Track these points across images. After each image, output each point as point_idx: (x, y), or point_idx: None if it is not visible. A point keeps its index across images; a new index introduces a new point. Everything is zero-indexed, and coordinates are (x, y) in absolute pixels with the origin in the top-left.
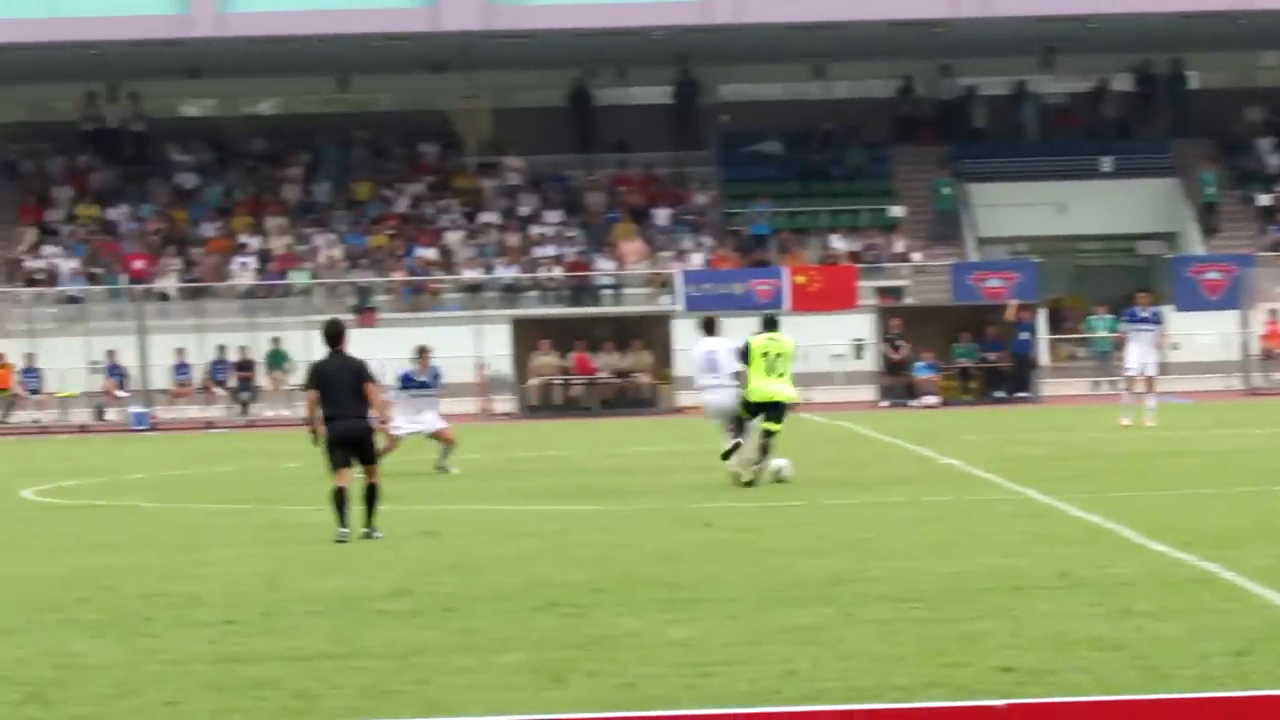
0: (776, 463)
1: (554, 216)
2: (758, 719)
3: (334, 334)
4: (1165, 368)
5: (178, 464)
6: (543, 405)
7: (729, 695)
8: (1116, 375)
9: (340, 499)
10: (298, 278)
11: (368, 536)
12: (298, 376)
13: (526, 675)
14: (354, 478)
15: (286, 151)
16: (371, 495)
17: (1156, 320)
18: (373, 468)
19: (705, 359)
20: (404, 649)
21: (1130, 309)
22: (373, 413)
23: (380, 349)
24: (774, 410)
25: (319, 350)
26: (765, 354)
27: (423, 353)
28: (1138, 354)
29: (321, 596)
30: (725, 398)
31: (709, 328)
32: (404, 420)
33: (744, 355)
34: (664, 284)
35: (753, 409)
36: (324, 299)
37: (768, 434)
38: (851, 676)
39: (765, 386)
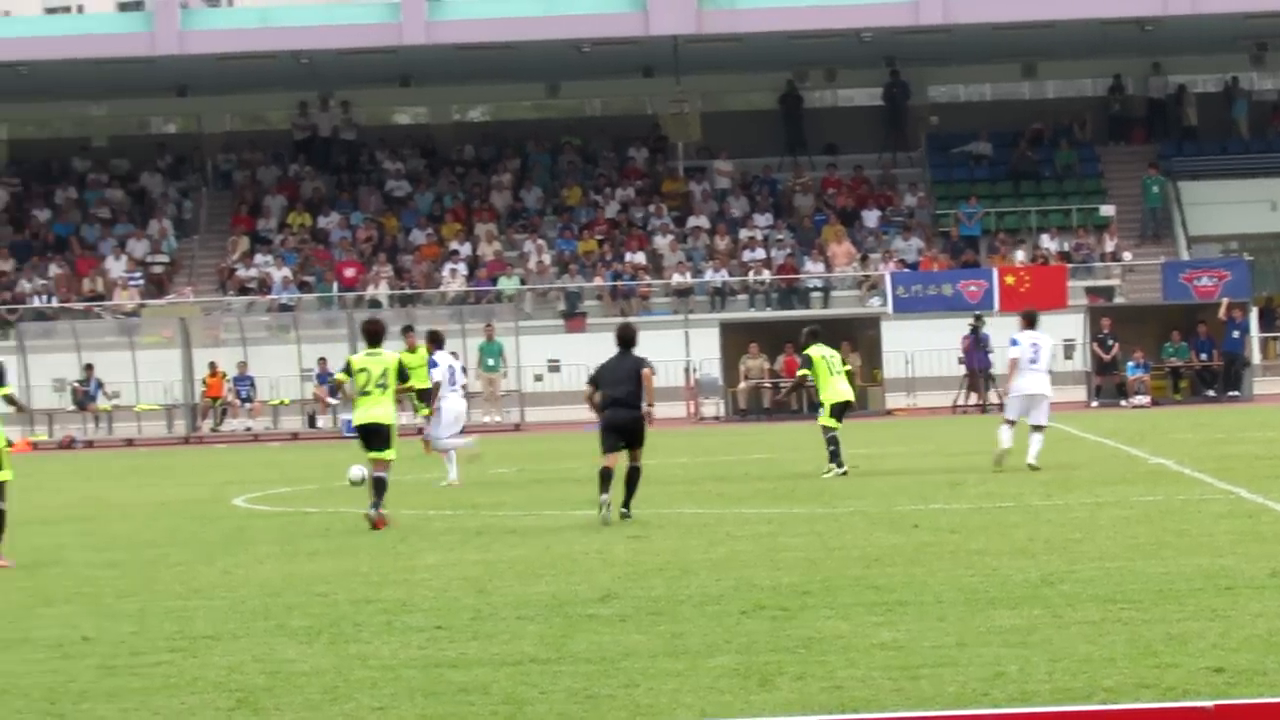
0: None
1: (763, 219)
2: None
3: (626, 336)
4: None
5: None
6: (751, 408)
7: (937, 697)
8: None
9: (606, 477)
10: (507, 284)
11: (625, 516)
12: (510, 381)
13: (734, 678)
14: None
15: (496, 158)
16: (633, 478)
17: None
18: (638, 452)
19: (449, 372)
20: (612, 653)
21: None
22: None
23: (590, 354)
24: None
25: (527, 353)
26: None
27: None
28: None
29: (530, 601)
30: (460, 405)
31: (438, 340)
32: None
33: (808, 362)
34: (873, 286)
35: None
36: (533, 304)
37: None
38: (1060, 678)
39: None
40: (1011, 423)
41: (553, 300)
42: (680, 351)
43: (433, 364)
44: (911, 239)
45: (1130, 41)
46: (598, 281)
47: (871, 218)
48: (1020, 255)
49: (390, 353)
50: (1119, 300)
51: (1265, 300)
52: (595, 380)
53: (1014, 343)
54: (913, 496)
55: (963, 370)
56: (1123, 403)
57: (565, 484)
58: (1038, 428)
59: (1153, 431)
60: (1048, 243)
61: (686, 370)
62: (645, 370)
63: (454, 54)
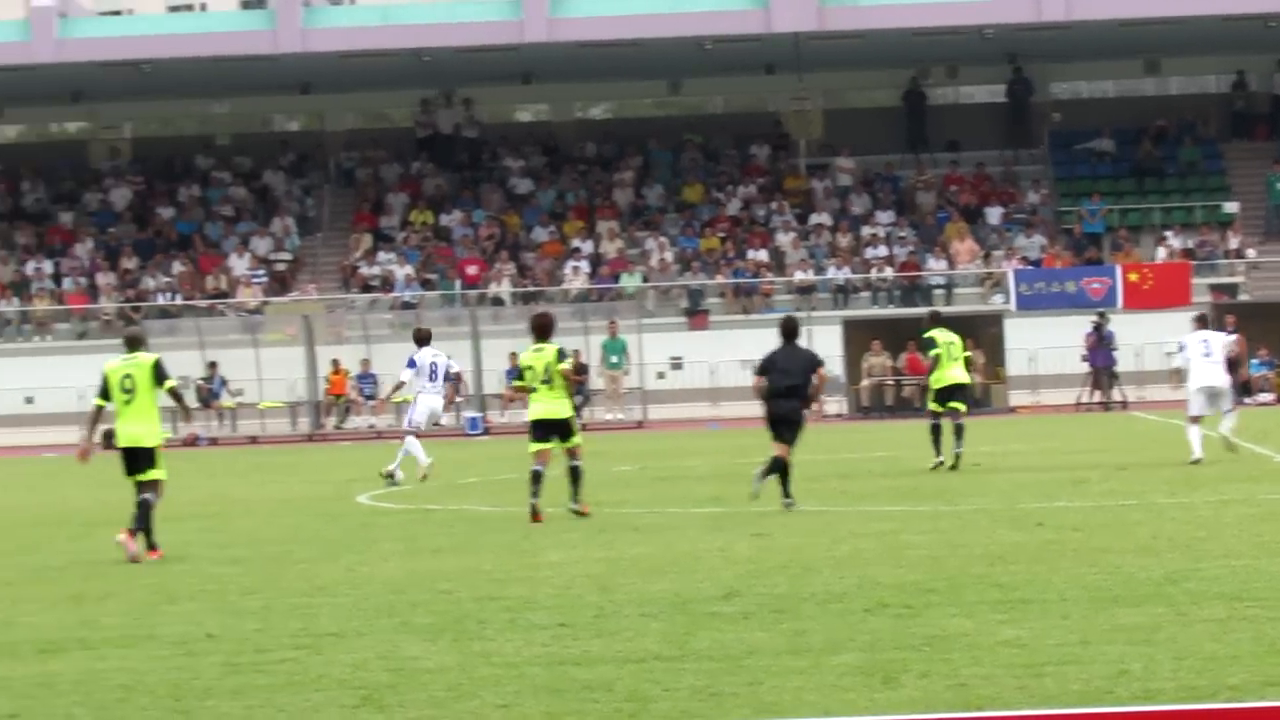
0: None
1: (885, 216)
2: (1090, 719)
3: (790, 329)
4: None
5: (511, 468)
6: (874, 406)
7: (1061, 695)
8: None
9: (776, 466)
10: (629, 281)
11: (788, 507)
12: (632, 379)
13: (858, 676)
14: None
15: (618, 155)
16: (778, 466)
17: None
18: (786, 449)
19: (429, 368)
20: (735, 651)
21: None
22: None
23: (712, 352)
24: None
25: (649, 351)
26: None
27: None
28: None
29: (653, 599)
30: (440, 402)
31: (420, 339)
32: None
33: (930, 344)
34: (996, 283)
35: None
36: (655, 302)
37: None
38: (1184, 676)
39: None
40: (1196, 419)
41: (675, 298)
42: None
43: (410, 362)
44: (1034, 236)
45: (1254, 38)
46: (719, 279)
47: (994, 215)
48: (1142, 252)
49: (551, 346)
50: (1243, 298)
51: None
52: (764, 370)
53: (1182, 347)
54: (1036, 494)
55: (1086, 368)
56: (1247, 400)
57: (687, 481)
58: (1228, 411)
59: (1278, 430)
60: (1171, 240)
61: None
62: (820, 370)
63: (576, 51)
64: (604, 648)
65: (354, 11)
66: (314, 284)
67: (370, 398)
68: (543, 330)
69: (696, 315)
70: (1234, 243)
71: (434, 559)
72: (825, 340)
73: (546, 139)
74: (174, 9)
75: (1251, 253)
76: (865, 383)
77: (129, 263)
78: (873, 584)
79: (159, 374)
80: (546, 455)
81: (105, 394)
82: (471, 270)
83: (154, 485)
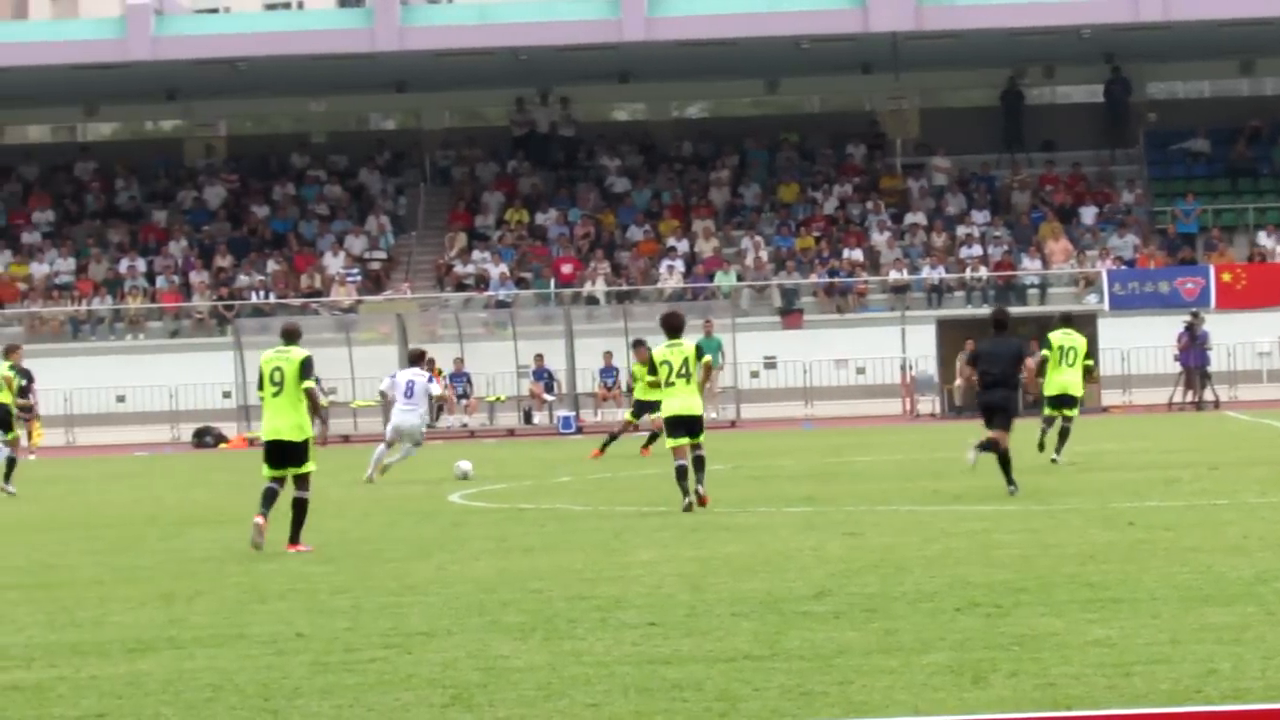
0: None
1: (980, 216)
2: (1179, 719)
3: (1001, 320)
4: None
5: (605, 467)
6: (967, 405)
7: (1150, 695)
8: None
9: (989, 446)
10: (724, 280)
11: (1013, 493)
12: (726, 377)
13: (947, 676)
14: None
15: (714, 154)
16: (997, 452)
17: None
18: (1005, 435)
19: (405, 385)
20: (826, 650)
21: None
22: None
23: (806, 351)
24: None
25: (743, 350)
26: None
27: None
28: None
29: (744, 598)
30: (412, 420)
31: (411, 359)
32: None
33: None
34: (1090, 283)
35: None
36: (750, 301)
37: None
38: (1273, 675)
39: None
40: None
41: (769, 297)
42: (896, 348)
43: (390, 376)
44: (1128, 236)
45: None
46: (814, 278)
47: (1089, 215)
48: (1236, 252)
49: (688, 342)
50: None
51: None
52: (974, 359)
53: None
54: (1128, 494)
55: (1178, 367)
56: None
57: (779, 481)
58: None
59: None
60: (1265, 240)
61: (903, 367)
62: (1028, 360)
63: (673, 50)
64: (694, 647)
65: (451, 10)
66: (408, 283)
67: (463, 396)
68: (675, 327)
69: (791, 314)
70: None
71: (525, 558)
72: (919, 340)
73: (643, 138)
74: (270, 7)
75: None
76: (958, 382)
77: (223, 261)
78: (963, 583)
79: (304, 370)
80: (685, 450)
81: (260, 386)
82: (566, 269)
83: (304, 481)
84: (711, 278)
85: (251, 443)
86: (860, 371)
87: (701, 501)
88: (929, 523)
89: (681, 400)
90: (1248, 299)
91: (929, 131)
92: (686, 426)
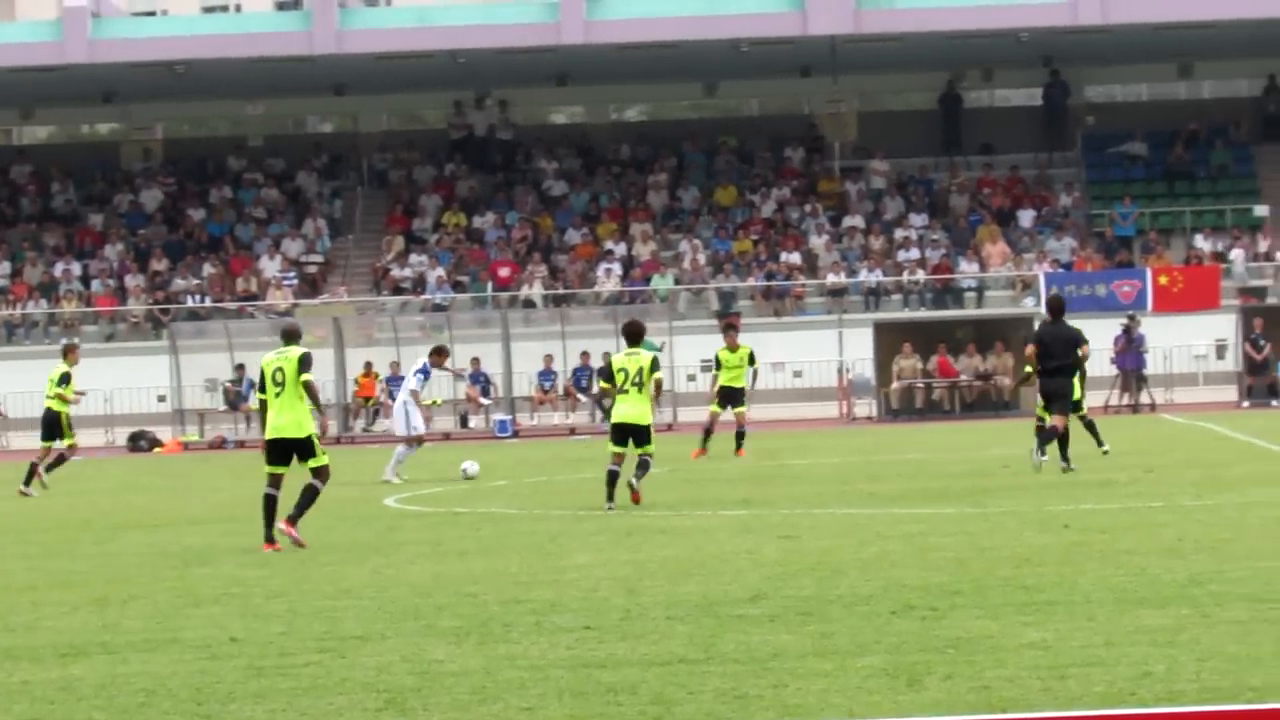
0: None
1: (918, 219)
2: None
3: (1057, 307)
4: None
5: (540, 471)
6: (904, 408)
7: (1085, 697)
8: None
9: (1051, 436)
10: (661, 283)
11: (1066, 470)
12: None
13: (882, 678)
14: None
15: (653, 158)
16: (1053, 436)
17: None
18: (1063, 419)
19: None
20: (761, 653)
21: None
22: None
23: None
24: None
25: (680, 353)
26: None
27: (441, 352)
28: None
29: (679, 601)
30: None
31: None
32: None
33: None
34: (1027, 286)
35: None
36: (687, 305)
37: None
38: (1207, 678)
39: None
40: None
41: (707, 300)
42: (834, 352)
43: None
44: (1066, 239)
45: None
46: (752, 281)
47: (1026, 218)
48: (1173, 255)
49: (646, 353)
50: (1271, 301)
51: None
52: (1037, 340)
53: None
54: (1063, 497)
55: (1114, 370)
56: (1274, 403)
57: (716, 484)
58: None
59: None
60: (1202, 243)
61: (840, 370)
62: (1084, 346)
63: (612, 53)
64: (629, 650)
65: (390, 13)
66: (345, 286)
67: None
68: (635, 335)
69: (728, 318)
70: (1264, 246)
71: (460, 561)
72: (856, 343)
73: (581, 141)
74: (208, 10)
75: None
76: (895, 385)
77: (159, 264)
78: (899, 586)
79: (302, 365)
80: (622, 458)
81: (263, 387)
82: (504, 272)
83: (321, 472)
84: (649, 281)
85: (186, 446)
86: (797, 375)
87: (634, 497)
88: (865, 526)
89: (631, 408)
90: (1184, 302)
91: (867, 134)
92: (632, 434)
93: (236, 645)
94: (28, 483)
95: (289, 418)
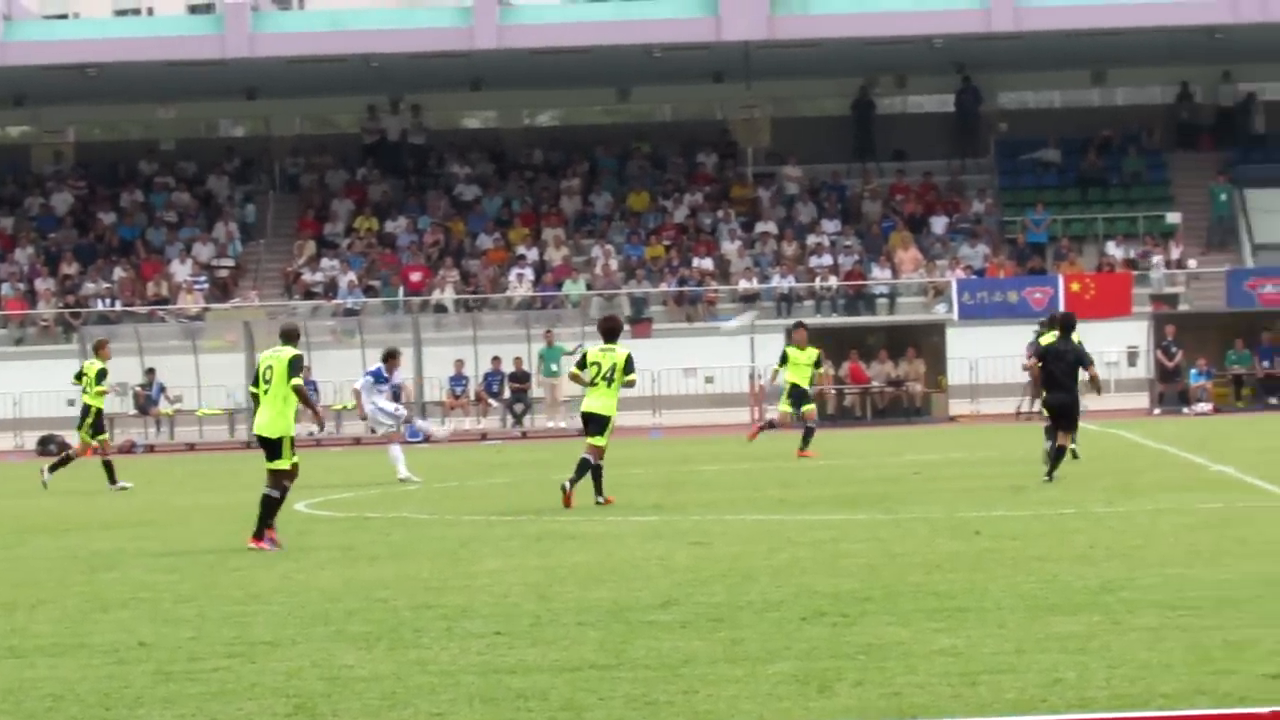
0: None
1: (831, 226)
2: None
3: (1067, 324)
4: None
5: (451, 476)
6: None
7: (995, 704)
8: None
9: (1060, 455)
10: (573, 289)
11: (1047, 482)
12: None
13: (793, 685)
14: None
15: (565, 163)
16: (1058, 454)
17: None
18: (1072, 434)
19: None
20: (671, 659)
21: None
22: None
23: (655, 360)
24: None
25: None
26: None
27: (391, 357)
28: None
29: (590, 607)
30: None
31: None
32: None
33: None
34: (939, 292)
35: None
36: (599, 310)
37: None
38: (1118, 684)
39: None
40: None
41: (619, 305)
42: (745, 358)
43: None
44: (978, 246)
45: (1200, 49)
46: (664, 287)
47: (939, 224)
48: (1086, 262)
49: (622, 350)
50: (1184, 308)
51: None
52: (1042, 356)
53: None
54: (975, 503)
55: (1026, 377)
56: (1185, 410)
57: (628, 489)
58: None
59: (1215, 439)
60: (1114, 250)
61: (751, 376)
62: (1091, 369)
63: (525, 58)
64: (540, 656)
65: (303, 17)
66: (256, 290)
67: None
68: (612, 332)
69: (640, 323)
70: (1176, 253)
71: (371, 567)
72: (769, 349)
73: (494, 146)
74: (120, 13)
75: (1192, 263)
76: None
77: (69, 268)
78: (810, 593)
79: (292, 368)
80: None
81: (255, 382)
82: (415, 277)
83: (277, 476)
84: (560, 286)
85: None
86: (709, 380)
87: (567, 501)
88: (776, 532)
89: (598, 401)
90: (1096, 309)
91: (780, 140)
92: (596, 425)
93: (145, 650)
94: (113, 481)
95: (268, 416)
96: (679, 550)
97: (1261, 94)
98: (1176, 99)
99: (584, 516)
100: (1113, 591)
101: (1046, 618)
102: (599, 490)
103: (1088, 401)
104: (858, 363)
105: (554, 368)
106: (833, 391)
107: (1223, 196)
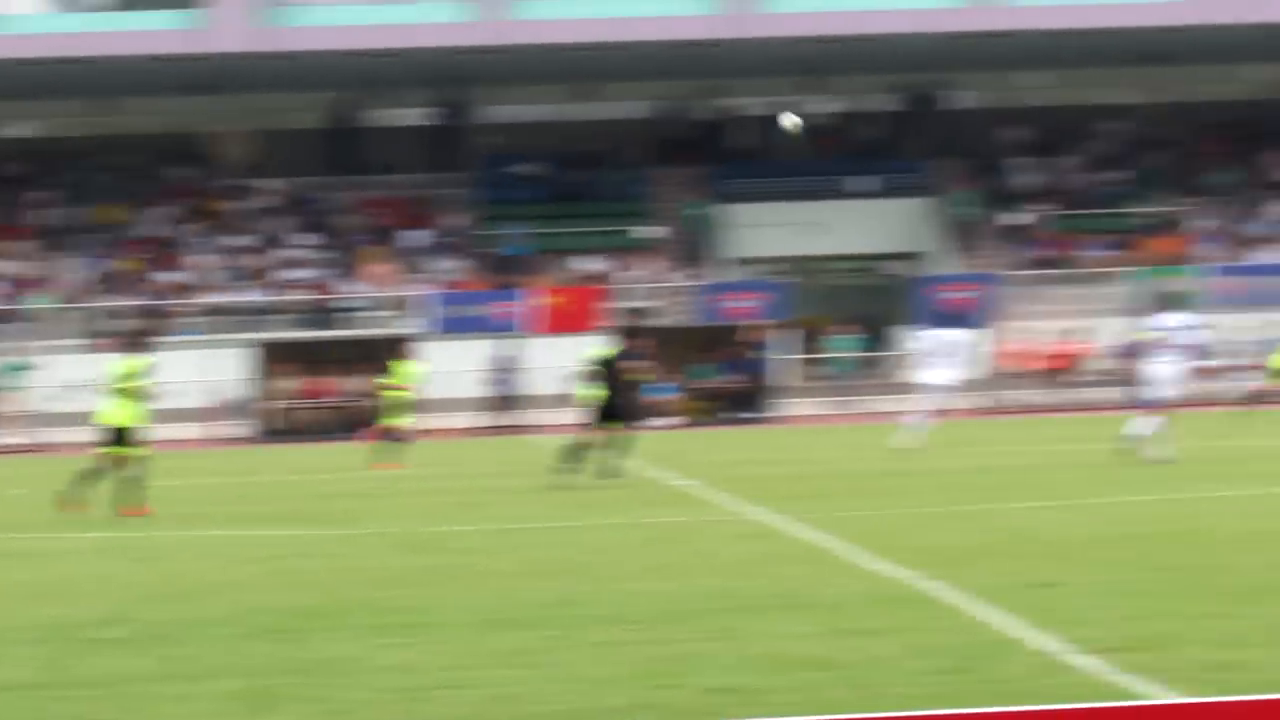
0: None
1: (305, 239)
2: None
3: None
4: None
5: None
6: (287, 429)
7: (445, 719)
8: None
9: None
10: (40, 302)
11: None
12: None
13: (238, 702)
14: None
15: (39, 174)
16: None
17: None
18: None
19: None
20: (113, 678)
21: None
22: None
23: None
24: None
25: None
26: None
27: None
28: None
29: (31, 626)
30: None
31: None
32: None
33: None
34: (410, 306)
35: None
36: (65, 323)
37: None
38: (568, 699)
39: None
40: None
41: (88, 319)
42: (213, 371)
43: None
44: (455, 259)
45: (682, 65)
46: (133, 300)
47: (415, 237)
48: (560, 276)
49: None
50: (663, 321)
51: (805, 322)
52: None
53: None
54: (431, 518)
55: (492, 392)
56: (651, 424)
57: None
58: None
59: (680, 453)
60: (590, 264)
61: (215, 391)
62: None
63: (10, 69)
64: None
65: None
66: None
67: None
68: (136, 345)
69: (107, 337)
70: (654, 267)
71: None
72: (236, 363)
73: None
74: None
75: (675, 277)
76: (274, 405)
77: None
78: (258, 609)
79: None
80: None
81: None
82: None
83: None
84: (25, 299)
85: None
86: (174, 395)
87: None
88: (229, 548)
89: (117, 412)
90: (569, 323)
91: (261, 153)
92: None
93: None
94: None
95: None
96: (125, 567)
97: (743, 110)
98: (659, 114)
99: (36, 534)
100: (566, 606)
101: (498, 632)
102: (129, 501)
103: (560, 415)
104: (324, 377)
105: (10, 381)
106: (300, 406)
107: (695, 211)
